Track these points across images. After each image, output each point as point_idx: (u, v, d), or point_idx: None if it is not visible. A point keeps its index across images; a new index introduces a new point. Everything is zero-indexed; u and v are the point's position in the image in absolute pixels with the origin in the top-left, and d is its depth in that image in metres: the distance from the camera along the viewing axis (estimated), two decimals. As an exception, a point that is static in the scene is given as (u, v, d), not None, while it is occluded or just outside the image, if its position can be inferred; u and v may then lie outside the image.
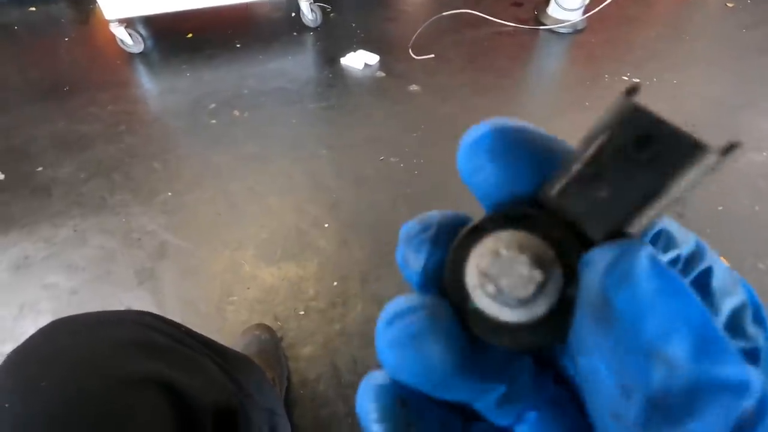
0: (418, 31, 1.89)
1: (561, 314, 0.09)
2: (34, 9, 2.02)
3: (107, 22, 1.63)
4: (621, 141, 0.09)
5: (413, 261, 0.11)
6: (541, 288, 0.09)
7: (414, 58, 1.76)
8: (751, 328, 0.11)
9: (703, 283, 0.12)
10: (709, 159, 0.09)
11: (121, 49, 1.74)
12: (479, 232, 0.10)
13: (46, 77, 1.63)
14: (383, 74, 1.68)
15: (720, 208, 1.20)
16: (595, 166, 0.09)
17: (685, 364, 0.07)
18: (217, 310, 0.96)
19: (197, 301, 0.97)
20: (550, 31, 1.98)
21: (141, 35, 1.74)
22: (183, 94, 1.57)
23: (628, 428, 0.08)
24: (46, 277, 1.02)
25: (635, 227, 0.09)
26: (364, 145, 1.37)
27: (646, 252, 0.08)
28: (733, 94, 1.64)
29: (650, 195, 0.09)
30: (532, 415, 0.11)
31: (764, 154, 1.38)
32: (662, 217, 0.10)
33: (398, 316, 0.10)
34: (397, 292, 0.12)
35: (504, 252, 0.10)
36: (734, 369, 0.07)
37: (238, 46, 1.82)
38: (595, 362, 0.08)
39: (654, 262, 0.08)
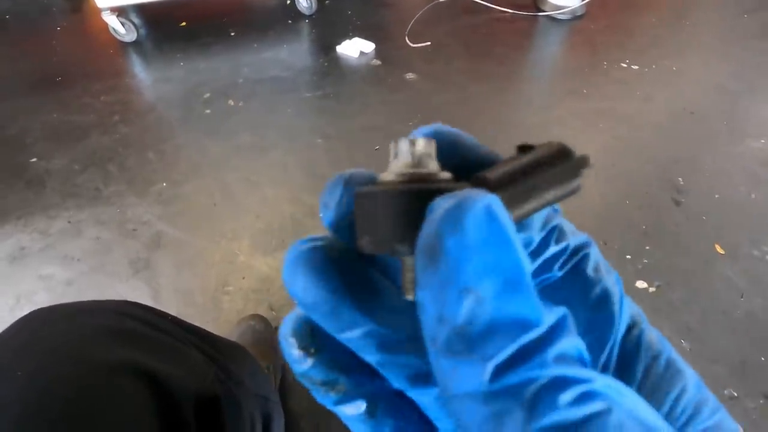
0: (415, 18, 1.86)
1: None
2: (25, -2, 1.99)
3: (99, 10, 1.61)
4: (538, 159, 0.12)
5: (328, 201, 0.13)
6: None
7: (410, 46, 1.74)
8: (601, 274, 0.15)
9: (580, 267, 0.15)
10: (575, 184, 0.12)
11: (114, 38, 1.72)
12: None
13: (39, 67, 1.62)
14: (379, 62, 1.66)
15: (717, 195, 1.20)
16: (518, 165, 0.12)
17: (489, 301, 0.08)
18: (213, 300, 0.96)
19: (193, 291, 0.98)
20: (549, 17, 1.95)
21: (134, 24, 1.72)
22: (177, 84, 1.55)
23: (437, 351, 0.09)
24: (42, 268, 1.02)
25: (517, 211, 0.11)
26: (360, 134, 1.36)
27: (483, 202, 0.09)
28: (733, 81, 1.63)
29: (535, 192, 0.11)
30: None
31: (762, 141, 1.37)
32: (538, 211, 0.12)
33: (300, 243, 0.12)
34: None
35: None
36: (528, 309, 0.09)
37: (232, 34, 1.80)
38: (425, 295, 0.09)
39: (488, 211, 0.09)
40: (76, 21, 1.90)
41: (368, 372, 0.13)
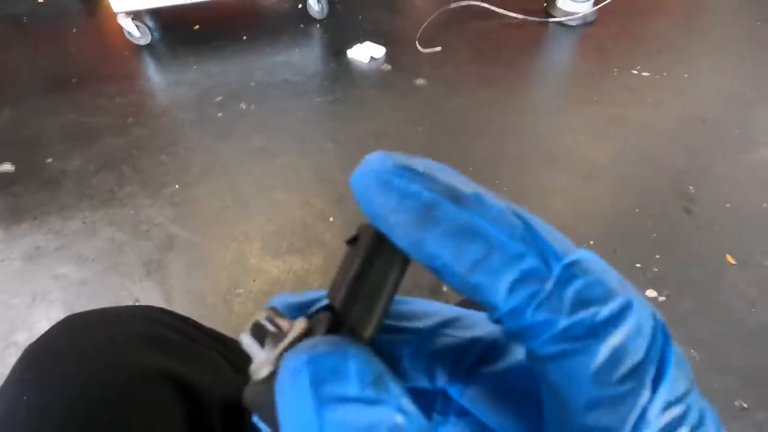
0: (425, 23, 1.87)
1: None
2: (42, 0, 2.03)
3: (115, 13, 1.64)
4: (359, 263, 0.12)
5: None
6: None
7: (421, 51, 1.74)
8: None
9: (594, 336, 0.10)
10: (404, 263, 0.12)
11: (129, 40, 1.74)
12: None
13: (55, 69, 1.65)
14: (389, 67, 1.67)
15: (728, 204, 1.19)
16: (346, 277, 0.12)
17: None
18: (224, 302, 0.97)
19: (204, 292, 0.99)
20: (560, 23, 1.95)
21: (148, 27, 1.74)
22: (190, 87, 1.57)
23: None
24: (57, 267, 1.04)
25: (369, 325, 0.11)
26: (370, 139, 1.37)
27: (292, 367, 0.09)
28: (746, 88, 1.62)
29: (373, 297, 0.12)
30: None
31: (775, 150, 1.36)
32: (384, 315, 0.12)
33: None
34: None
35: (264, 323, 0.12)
36: None
37: (244, 38, 1.82)
38: None
39: (293, 378, 0.09)
40: (92, 24, 1.93)
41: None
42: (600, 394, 0.09)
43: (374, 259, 0.12)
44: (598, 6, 1.93)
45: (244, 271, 1.03)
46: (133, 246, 1.08)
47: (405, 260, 0.12)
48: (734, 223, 1.15)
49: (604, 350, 0.09)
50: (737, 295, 0.99)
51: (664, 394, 0.09)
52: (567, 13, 1.94)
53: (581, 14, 1.92)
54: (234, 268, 1.03)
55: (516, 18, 1.96)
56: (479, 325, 0.14)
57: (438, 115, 1.46)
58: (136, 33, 1.71)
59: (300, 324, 0.12)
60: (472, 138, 1.38)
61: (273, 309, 0.12)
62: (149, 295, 0.99)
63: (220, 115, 1.46)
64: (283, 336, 0.12)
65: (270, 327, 0.12)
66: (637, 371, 0.09)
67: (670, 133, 1.42)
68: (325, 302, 0.13)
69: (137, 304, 0.98)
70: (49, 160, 1.30)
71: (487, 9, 1.98)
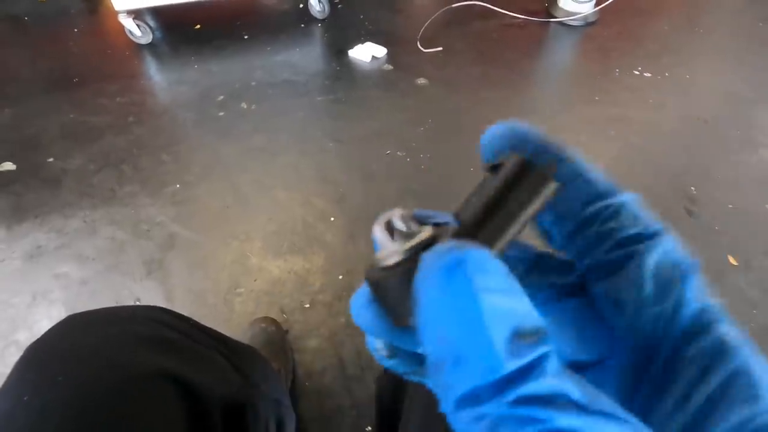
0: (427, 23, 1.87)
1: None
2: (43, 0, 2.03)
3: (116, 13, 1.64)
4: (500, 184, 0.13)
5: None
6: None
7: (422, 51, 1.74)
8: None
9: (640, 259, 0.14)
10: (548, 190, 0.13)
11: (130, 40, 1.74)
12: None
13: (56, 68, 1.65)
14: (391, 67, 1.67)
15: (730, 205, 1.19)
16: (485, 196, 0.13)
17: (451, 346, 0.10)
18: (225, 302, 0.97)
19: (205, 292, 0.99)
20: (561, 23, 1.95)
21: (149, 26, 1.74)
22: (191, 86, 1.57)
23: (428, 365, 0.11)
24: (58, 266, 1.04)
25: (499, 241, 0.12)
26: (371, 138, 1.37)
27: (441, 267, 0.11)
28: (747, 89, 1.62)
29: (509, 218, 0.12)
30: None
31: (777, 150, 1.36)
32: (520, 232, 0.13)
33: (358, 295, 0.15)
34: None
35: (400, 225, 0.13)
36: (485, 355, 0.10)
37: (245, 37, 1.81)
38: (424, 345, 0.11)
39: (447, 273, 0.10)
40: (93, 23, 1.93)
41: None
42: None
43: (517, 182, 0.12)
44: (600, 6, 1.93)
45: (244, 271, 1.02)
46: (133, 245, 1.08)
47: (551, 192, 0.12)
48: (736, 224, 1.15)
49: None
50: (739, 297, 0.99)
51: (696, 281, 0.14)
52: (568, 14, 1.94)
53: (583, 15, 1.92)
54: (235, 268, 1.03)
55: (517, 18, 1.96)
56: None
57: (439, 115, 1.46)
58: (138, 32, 1.71)
59: (428, 229, 0.13)
60: (473, 138, 1.37)
61: (405, 211, 0.14)
62: (150, 295, 0.99)
63: (221, 114, 1.45)
64: (412, 236, 0.13)
65: (400, 225, 0.13)
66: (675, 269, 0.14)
67: (672, 133, 1.42)
68: (446, 220, 0.15)
69: (138, 303, 0.98)
70: (51, 159, 1.30)
71: (489, 9, 1.98)
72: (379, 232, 0.14)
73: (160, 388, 0.31)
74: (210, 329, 0.44)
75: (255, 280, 1.01)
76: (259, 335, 0.81)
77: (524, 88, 1.63)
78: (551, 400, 0.09)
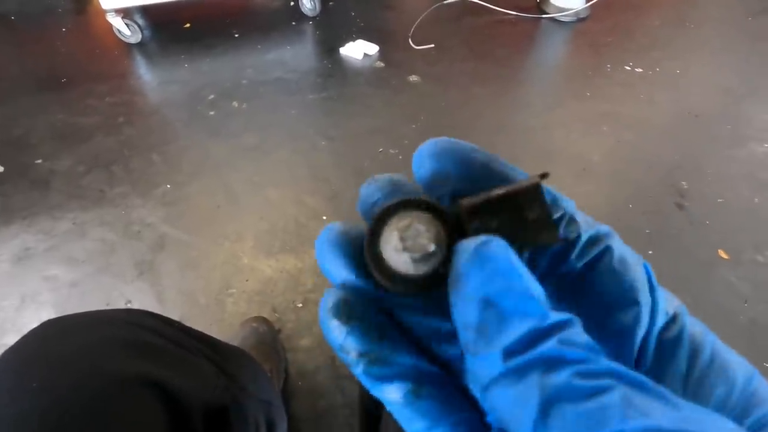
0: (418, 20, 1.86)
1: (435, 278, 0.13)
2: (30, -2, 2.00)
3: (104, 12, 1.62)
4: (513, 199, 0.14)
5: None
6: (428, 257, 0.13)
7: (414, 48, 1.74)
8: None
9: (603, 260, 0.15)
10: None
11: (119, 39, 1.72)
12: (402, 206, 0.14)
13: (44, 68, 1.63)
14: (382, 64, 1.66)
15: (720, 200, 1.20)
16: (495, 203, 0.14)
17: (496, 306, 0.11)
18: (216, 302, 0.96)
19: (196, 292, 0.98)
20: (552, 19, 1.95)
21: (138, 25, 1.72)
22: (181, 85, 1.56)
23: (468, 353, 0.12)
24: (47, 269, 1.03)
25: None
26: (363, 136, 1.36)
27: (494, 244, 0.12)
28: (737, 83, 1.62)
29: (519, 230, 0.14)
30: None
31: (765, 145, 1.37)
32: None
33: (327, 229, 0.16)
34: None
35: (418, 225, 0.14)
36: (532, 309, 0.11)
37: (236, 36, 1.80)
38: (453, 312, 0.12)
39: (487, 249, 0.12)
40: (81, 22, 1.91)
41: (408, 349, 0.14)
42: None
43: (523, 194, 0.13)
44: (591, 2, 1.93)
45: (236, 271, 1.02)
46: (124, 246, 1.07)
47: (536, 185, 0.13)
48: (727, 218, 1.15)
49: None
50: (730, 291, 1.00)
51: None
52: (560, 10, 1.94)
53: (574, 10, 1.92)
54: (226, 268, 1.02)
55: (509, 14, 1.95)
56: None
57: (431, 112, 1.46)
58: (126, 31, 1.69)
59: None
60: (465, 134, 1.37)
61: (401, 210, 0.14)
62: (141, 296, 0.98)
63: (211, 113, 1.44)
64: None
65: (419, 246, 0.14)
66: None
67: (663, 128, 1.43)
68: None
69: (127, 306, 0.97)
70: (39, 160, 1.28)
71: (480, 5, 1.97)
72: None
73: (139, 393, 0.30)
74: (196, 332, 0.44)
75: (247, 280, 1.00)
76: (251, 335, 0.81)
77: (516, 84, 1.63)
78: (591, 348, 0.11)
